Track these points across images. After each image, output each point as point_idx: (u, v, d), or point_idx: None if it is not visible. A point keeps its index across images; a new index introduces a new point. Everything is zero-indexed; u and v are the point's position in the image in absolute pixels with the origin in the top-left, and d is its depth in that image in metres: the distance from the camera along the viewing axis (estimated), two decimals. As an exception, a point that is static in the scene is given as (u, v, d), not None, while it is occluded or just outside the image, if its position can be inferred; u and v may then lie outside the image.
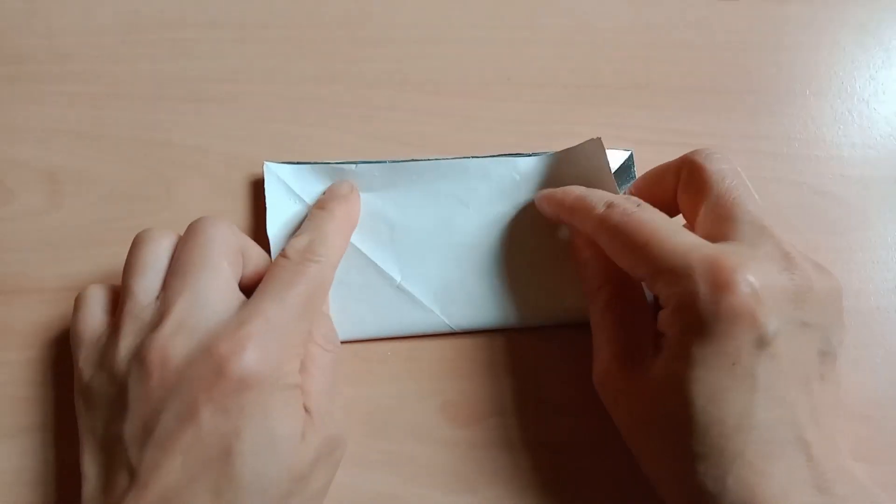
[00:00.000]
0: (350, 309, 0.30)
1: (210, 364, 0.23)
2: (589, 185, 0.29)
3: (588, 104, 0.33)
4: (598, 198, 0.27)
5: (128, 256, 0.26)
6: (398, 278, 0.30)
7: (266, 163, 0.30)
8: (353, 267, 0.30)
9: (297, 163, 0.31)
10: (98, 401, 0.24)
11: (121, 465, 0.23)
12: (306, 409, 0.25)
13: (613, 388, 0.25)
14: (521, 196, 0.31)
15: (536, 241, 0.31)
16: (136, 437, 0.23)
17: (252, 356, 0.23)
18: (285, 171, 0.31)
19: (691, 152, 0.27)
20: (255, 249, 0.28)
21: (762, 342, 0.22)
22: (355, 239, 0.30)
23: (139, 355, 0.24)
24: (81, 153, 0.32)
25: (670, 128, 0.33)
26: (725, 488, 0.21)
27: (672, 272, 0.23)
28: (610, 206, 0.26)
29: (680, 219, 0.28)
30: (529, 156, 0.32)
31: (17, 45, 0.34)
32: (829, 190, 0.32)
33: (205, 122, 0.33)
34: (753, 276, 0.22)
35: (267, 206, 0.30)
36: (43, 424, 0.28)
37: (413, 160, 0.31)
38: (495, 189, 0.31)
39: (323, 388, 0.26)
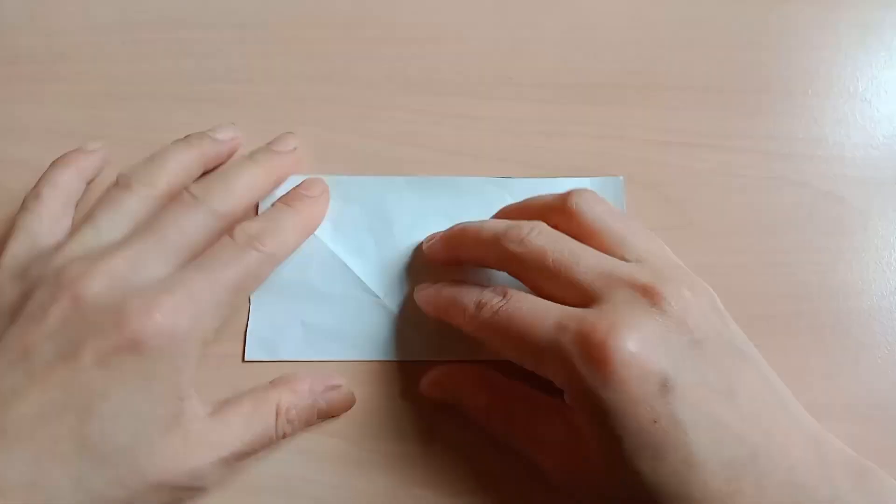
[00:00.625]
0: (327, 323, 0.29)
1: (112, 314, 0.22)
2: None
3: (588, 104, 0.33)
4: (469, 298, 0.26)
5: (108, 190, 0.27)
6: (380, 294, 0.30)
7: None
8: (335, 278, 0.30)
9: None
10: (2, 307, 0.24)
11: None
12: (198, 429, 0.24)
13: (574, 483, 0.24)
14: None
15: None
16: (10, 355, 0.22)
17: (154, 321, 0.22)
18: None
19: (502, 237, 0.26)
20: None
21: (666, 388, 0.21)
22: (339, 249, 0.30)
23: (58, 275, 0.23)
24: (81, 153, 0.32)
25: (671, 128, 0.33)
26: None
27: (551, 360, 0.23)
28: (479, 305, 0.25)
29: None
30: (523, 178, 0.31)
31: (17, 45, 0.34)
32: (831, 190, 0.32)
33: (205, 122, 0.32)
34: (625, 339, 0.21)
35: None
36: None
37: (404, 176, 0.31)
38: (486, 209, 0.30)
39: (229, 431, 0.25)
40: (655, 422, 0.21)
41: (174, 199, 0.27)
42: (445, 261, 0.29)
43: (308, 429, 0.29)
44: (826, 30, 0.35)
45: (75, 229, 0.26)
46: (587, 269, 0.24)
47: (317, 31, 0.34)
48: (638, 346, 0.21)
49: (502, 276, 0.27)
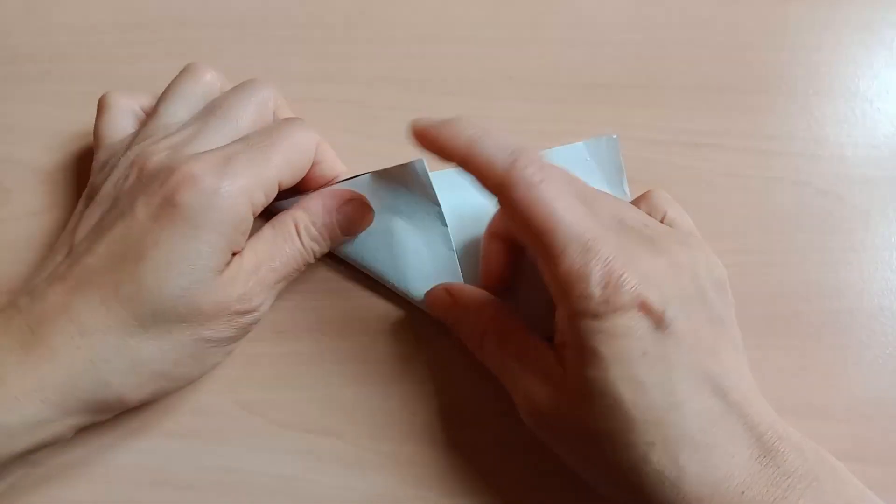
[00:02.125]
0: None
1: (166, 171, 0.25)
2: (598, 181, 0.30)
3: (588, 104, 0.33)
4: (497, 148, 0.23)
5: (171, 82, 0.29)
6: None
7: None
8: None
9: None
10: (91, 197, 0.27)
11: (65, 242, 0.26)
12: (238, 262, 0.26)
13: (544, 422, 0.25)
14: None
15: None
16: (90, 220, 0.26)
17: (191, 176, 0.24)
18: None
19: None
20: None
21: (661, 326, 0.22)
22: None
23: (129, 158, 0.27)
24: (81, 153, 0.32)
25: (672, 127, 0.33)
26: (681, 469, 0.21)
27: (568, 265, 0.22)
28: (513, 166, 0.23)
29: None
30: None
31: (17, 45, 0.34)
32: (832, 189, 0.32)
33: (205, 122, 0.33)
34: (634, 269, 0.22)
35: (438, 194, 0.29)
36: (42, 425, 0.28)
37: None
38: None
39: (265, 263, 0.27)
40: (644, 354, 0.22)
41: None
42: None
43: (308, 428, 0.29)
44: (826, 30, 0.35)
45: (142, 124, 0.29)
46: (610, 209, 0.24)
47: (317, 31, 0.34)
48: (644, 278, 0.22)
49: None
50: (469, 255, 0.30)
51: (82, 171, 0.32)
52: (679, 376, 0.22)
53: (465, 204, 0.30)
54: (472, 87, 0.34)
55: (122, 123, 0.29)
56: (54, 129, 0.32)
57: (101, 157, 0.29)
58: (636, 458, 0.22)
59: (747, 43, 0.35)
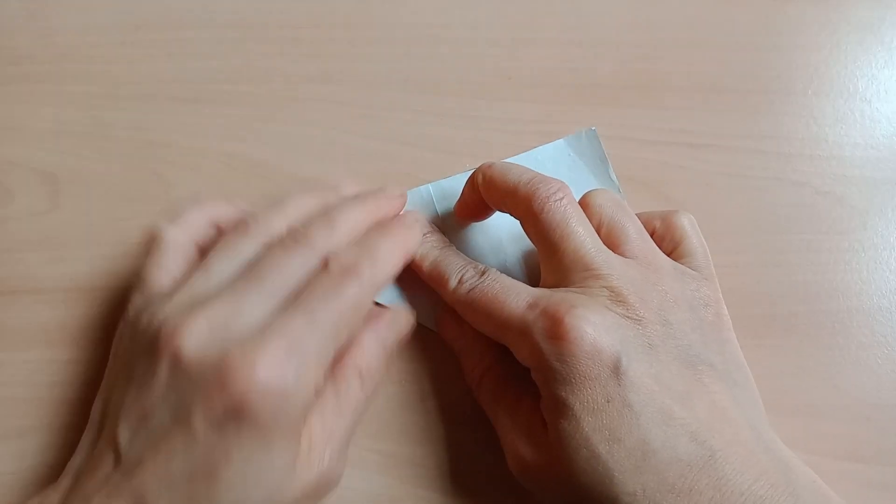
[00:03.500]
0: None
1: (217, 372, 0.21)
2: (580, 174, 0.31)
3: (588, 104, 0.33)
4: (450, 271, 0.27)
5: (226, 235, 0.26)
6: None
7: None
8: None
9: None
10: (122, 356, 0.24)
11: (109, 444, 0.22)
12: (308, 440, 0.23)
13: (531, 476, 0.25)
14: None
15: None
16: (131, 419, 0.22)
17: (258, 380, 0.21)
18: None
19: (533, 193, 0.26)
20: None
21: (618, 372, 0.23)
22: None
23: (158, 331, 0.22)
24: (81, 153, 0.32)
25: (671, 128, 0.33)
26: None
27: (517, 335, 0.25)
28: (459, 282, 0.27)
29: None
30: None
31: (17, 45, 0.34)
32: (831, 190, 0.32)
33: (205, 122, 0.33)
34: (583, 319, 0.23)
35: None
36: (42, 426, 0.28)
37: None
38: None
39: (334, 425, 0.24)
40: (608, 402, 0.22)
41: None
42: (474, 209, 0.29)
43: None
44: (826, 30, 0.35)
45: (187, 276, 0.25)
46: (575, 254, 0.25)
47: (317, 31, 0.34)
48: (592, 327, 0.23)
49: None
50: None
51: (83, 172, 0.32)
52: (648, 423, 0.22)
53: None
54: (472, 87, 0.34)
55: (169, 269, 0.26)
56: (56, 130, 0.32)
57: (136, 303, 0.25)
58: None
59: (747, 43, 0.35)
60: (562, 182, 0.26)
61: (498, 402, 0.27)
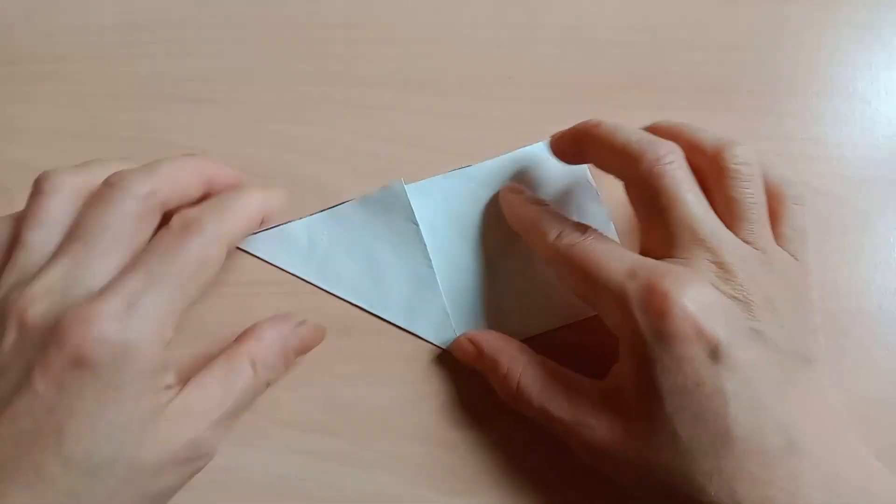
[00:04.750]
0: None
1: (55, 334, 0.21)
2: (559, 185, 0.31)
3: (588, 104, 0.33)
4: (551, 225, 0.27)
5: (29, 201, 0.25)
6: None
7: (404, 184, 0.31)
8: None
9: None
10: None
11: None
12: (182, 404, 0.23)
13: (604, 456, 0.24)
14: (481, 203, 0.31)
15: (516, 248, 0.31)
16: None
17: (92, 334, 0.21)
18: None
19: (646, 153, 0.25)
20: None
21: (716, 356, 0.22)
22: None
23: (4, 311, 0.22)
24: (81, 153, 0.32)
25: (671, 128, 0.33)
26: (739, 499, 0.21)
27: (613, 302, 0.23)
28: (559, 236, 0.26)
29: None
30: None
31: (17, 45, 0.34)
32: (831, 190, 0.32)
33: (205, 122, 0.33)
34: (687, 296, 0.22)
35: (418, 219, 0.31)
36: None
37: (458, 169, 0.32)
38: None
39: (216, 400, 0.24)
40: (699, 385, 0.22)
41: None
42: (567, 154, 0.29)
43: (308, 428, 0.29)
44: (826, 30, 0.35)
45: (7, 256, 0.24)
46: (687, 222, 0.24)
47: (317, 31, 0.34)
48: (696, 307, 0.22)
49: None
50: (451, 263, 0.31)
51: (82, 171, 0.32)
52: (736, 411, 0.21)
53: (448, 211, 0.31)
54: (472, 87, 0.34)
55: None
56: (55, 130, 0.32)
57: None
58: (693, 490, 0.22)
59: (747, 43, 0.35)
60: (673, 145, 0.25)
61: (550, 394, 0.26)
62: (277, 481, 0.28)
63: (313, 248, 0.31)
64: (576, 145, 0.28)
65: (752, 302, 0.23)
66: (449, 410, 0.29)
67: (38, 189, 0.25)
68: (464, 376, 0.30)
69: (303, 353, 0.28)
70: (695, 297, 0.22)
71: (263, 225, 0.28)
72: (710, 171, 0.25)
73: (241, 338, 0.27)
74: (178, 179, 0.25)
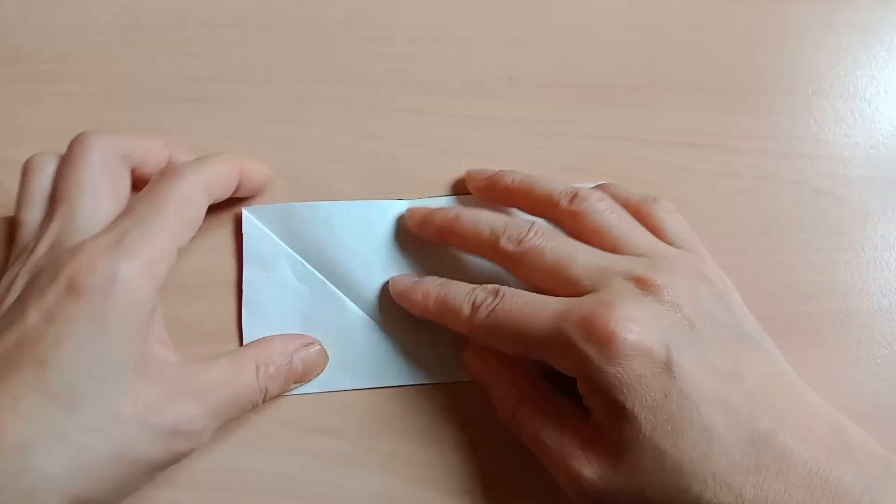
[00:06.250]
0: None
1: (51, 268, 0.22)
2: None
3: (588, 104, 0.33)
4: (458, 300, 0.26)
5: (19, 186, 0.27)
6: (374, 317, 0.30)
7: (244, 210, 0.30)
8: (329, 306, 0.30)
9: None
10: None
11: None
12: (174, 380, 0.23)
13: (593, 492, 0.24)
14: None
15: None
16: None
17: (84, 263, 0.22)
18: (262, 212, 0.30)
19: (499, 237, 0.27)
20: (155, 150, 0.28)
21: (669, 363, 0.22)
22: (328, 276, 0.30)
23: (14, 277, 0.24)
24: (81, 153, 0.32)
25: (671, 127, 0.33)
26: (739, 496, 0.21)
27: (555, 348, 0.24)
28: (473, 308, 0.26)
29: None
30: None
31: (17, 45, 0.34)
32: (831, 190, 0.32)
33: (205, 122, 0.33)
34: (624, 317, 0.23)
35: (244, 250, 0.30)
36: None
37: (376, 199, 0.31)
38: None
39: (214, 391, 0.25)
40: (666, 395, 0.22)
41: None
42: (434, 242, 0.29)
43: (308, 428, 0.29)
44: (826, 30, 0.35)
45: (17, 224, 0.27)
46: (583, 266, 0.25)
47: (317, 31, 0.34)
48: (637, 324, 0.22)
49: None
50: (374, 285, 0.30)
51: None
52: (707, 409, 0.22)
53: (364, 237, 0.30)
54: (472, 87, 0.34)
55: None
56: (55, 130, 0.32)
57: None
58: (692, 498, 0.22)
59: (747, 43, 0.35)
60: (532, 220, 0.27)
61: (541, 425, 0.25)
62: (277, 481, 0.28)
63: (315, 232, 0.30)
64: (441, 237, 0.29)
65: (677, 300, 0.24)
66: (449, 410, 0.29)
67: (21, 174, 0.27)
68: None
69: (303, 379, 0.29)
70: (632, 316, 0.23)
71: (240, 190, 0.29)
72: (568, 219, 0.27)
73: (249, 344, 0.28)
74: (139, 135, 0.28)
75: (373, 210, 0.31)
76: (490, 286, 0.26)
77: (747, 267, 0.31)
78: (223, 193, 0.27)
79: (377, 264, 0.30)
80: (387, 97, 0.33)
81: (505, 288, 0.26)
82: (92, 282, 0.22)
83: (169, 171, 0.25)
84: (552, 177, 0.29)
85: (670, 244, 0.27)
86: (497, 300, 0.25)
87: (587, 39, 0.35)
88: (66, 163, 0.26)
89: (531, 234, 0.26)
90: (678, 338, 0.23)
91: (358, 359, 0.29)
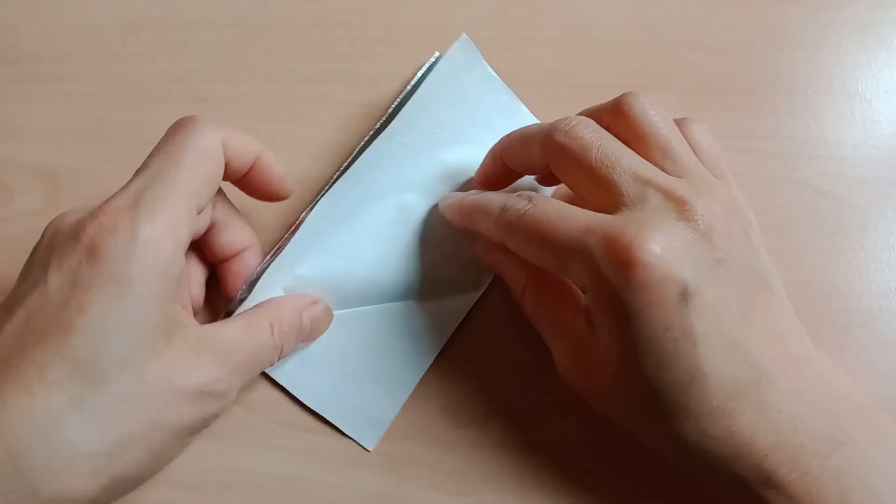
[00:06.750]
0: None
1: (74, 233, 0.22)
2: (472, 98, 0.31)
3: (588, 104, 0.33)
4: (494, 203, 0.26)
5: None
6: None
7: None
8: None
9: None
10: None
11: None
12: (194, 335, 0.23)
13: (578, 378, 0.26)
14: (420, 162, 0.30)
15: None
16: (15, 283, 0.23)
17: (104, 223, 0.21)
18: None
19: (551, 129, 0.25)
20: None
21: (685, 297, 0.22)
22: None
23: (46, 234, 0.24)
24: (81, 153, 0.32)
25: (671, 128, 0.33)
26: (707, 436, 0.22)
27: (576, 261, 0.23)
28: (504, 209, 0.25)
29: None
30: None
31: (17, 45, 0.34)
32: (831, 190, 0.32)
33: (205, 122, 0.33)
34: (651, 242, 0.21)
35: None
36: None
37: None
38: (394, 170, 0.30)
39: (235, 351, 0.24)
40: (668, 329, 0.22)
41: None
42: (492, 176, 0.29)
43: (308, 428, 0.29)
44: (826, 30, 0.35)
45: None
46: (626, 171, 0.24)
47: (317, 31, 0.34)
48: (663, 251, 0.21)
49: None
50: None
51: (83, 172, 0.32)
52: (705, 349, 0.22)
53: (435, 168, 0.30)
54: (472, 87, 0.34)
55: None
56: (56, 129, 0.32)
57: None
58: (661, 427, 0.23)
59: (747, 43, 0.35)
60: (576, 116, 0.26)
61: (539, 313, 0.27)
62: (277, 481, 0.28)
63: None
64: (497, 165, 0.28)
65: (712, 230, 0.23)
66: (449, 410, 0.29)
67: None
68: (464, 377, 0.30)
69: (312, 337, 0.28)
70: (659, 241, 0.22)
71: (256, 176, 0.28)
72: (621, 125, 0.26)
73: (259, 304, 0.27)
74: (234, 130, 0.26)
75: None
76: (525, 192, 0.26)
77: (747, 267, 0.31)
78: (239, 156, 0.26)
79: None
80: (387, 97, 0.33)
81: (539, 195, 0.25)
82: (113, 246, 0.21)
83: (184, 122, 0.25)
84: None
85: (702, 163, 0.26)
86: (529, 205, 0.25)
87: (587, 39, 0.35)
88: (162, 143, 0.25)
89: (581, 126, 0.25)
90: (701, 273, 0.22)
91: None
